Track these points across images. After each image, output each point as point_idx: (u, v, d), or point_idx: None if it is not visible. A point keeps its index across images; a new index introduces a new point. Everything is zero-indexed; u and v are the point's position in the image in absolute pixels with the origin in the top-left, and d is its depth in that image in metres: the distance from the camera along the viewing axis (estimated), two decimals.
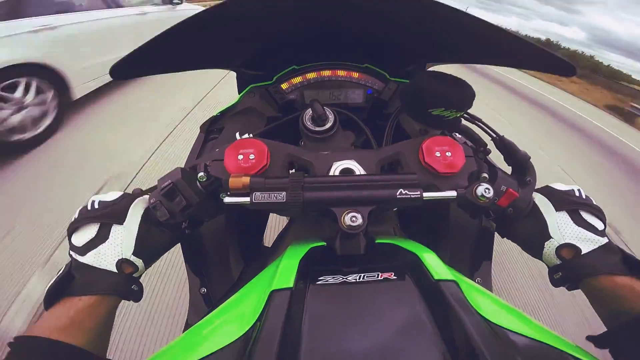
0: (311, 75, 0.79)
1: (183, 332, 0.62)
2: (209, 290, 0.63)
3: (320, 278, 0.37)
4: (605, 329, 0.45)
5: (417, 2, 0.52)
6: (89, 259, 0.44)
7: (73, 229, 0.47)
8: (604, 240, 0.47)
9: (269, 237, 0.92)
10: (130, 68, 0.56)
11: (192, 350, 0.33)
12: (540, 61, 0.54)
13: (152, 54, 0.56)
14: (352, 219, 0.40)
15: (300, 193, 0.41)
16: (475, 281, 0.64)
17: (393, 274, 0.38)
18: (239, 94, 0.83)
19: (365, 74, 0.80)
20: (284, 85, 0.78)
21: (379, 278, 0.37)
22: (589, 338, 0.45)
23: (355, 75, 0.79)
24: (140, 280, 0.50)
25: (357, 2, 0.60)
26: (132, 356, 1.50)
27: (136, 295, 0.48)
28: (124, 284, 0.46)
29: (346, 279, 0.37)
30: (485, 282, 0.65)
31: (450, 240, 0.66)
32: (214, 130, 0.77)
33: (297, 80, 0.79)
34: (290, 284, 0.36)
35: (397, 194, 0.41)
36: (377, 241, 0.47)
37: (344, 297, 0.35)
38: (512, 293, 2.03)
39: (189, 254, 0.65)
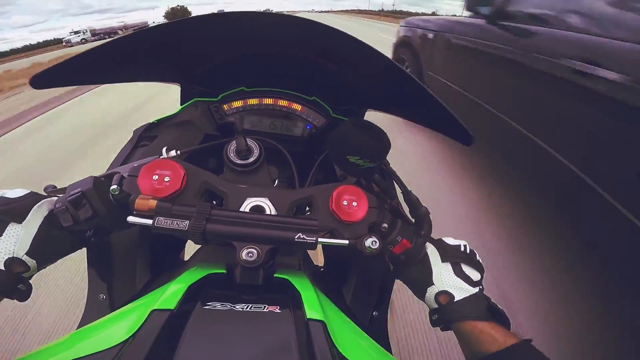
0: (254, 101, 0.81)
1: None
2: (109, 297, 0.62)
3: (209, 303, 0.39)
4: None
5: (360, 48, 0.55)
6: None
7: None
8: (475, 290, 0.55)
9: (191, 251, 0.91)
10: (57, 78, 0.54)
11: (63, 352, 0.34)
12: (448, 127, 0.60)
13: (89, 63, 0.55)
14: (249, 254, 0.43)
15: (202, 224, 0.43)
16: (372, 314, 0.70)
17: (278, 307, 0.40)
18: (180, 105, 0.82)
19: (309, 108, 0.83)
20: (227, 106, 0.80)
21: (264, 310, 0.40)
22: None
23: (299, 108, 0.83)
24: (31, 281, 0.48)
25: (308, 39, 0.64)
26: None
27: (22, 294, 0.46)
28: (10, 282, 0.44)
29: (234, 307, 0.39)
30: (381, 316, 0.71)
31: (356, 275, 0.72)
32: (148, 137, 0.76)
33: (240, 103, 0.80)
34: (172, 306, 0.37)
35: (295, 237, 0.45)
36: (275, 275, 0.50)
37: (226, 324, 0.37)
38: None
39: (94, 258, 0.63)
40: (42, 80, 0.52)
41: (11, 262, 0.44)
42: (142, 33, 0.52)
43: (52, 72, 0.51)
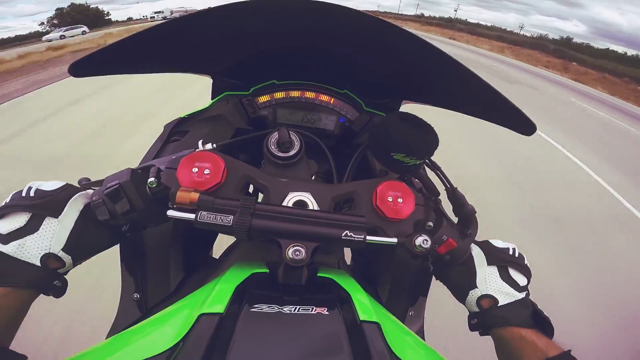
0: (285, 94, 0.79)
1: (107, 335, 0.59)
2: (143, 296, 0.61)
3: (256, 305, 0.37)
4: None
5: (403, 38, 0.53)
6: (10, 248, 0.42)
7: (1, 214, 0.43)
8: (521, 295, 0.52)
9: (220, 247, 0.89)
10: (96, 66, 0.53)
11: (108, 357, 0.33)
12: (507, 117, 0.56)
13: (122, 53, 0.54)
14: (296, 253, 0.41)
15: (248, 219, 0.41)
16: (408, 314, 0.68)
17: (326, 309, 0.39)
18: (212, 99, 0.81)
19: (342, 101, 0.81)
20: (259, 100, 0.78)
21: (313, 312, 0.38)
22: None
23: (331, 101, 0.80)
24: (66, 277, 0.47)
25: (344, 30, 0.61)
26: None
27: (58, 291, 0.46)
28: (45, 278, 0.43)
29: (282, 309, 0.38)
30: (417, 316, 0.68)
31: (392, 274, 0.69)
32: (179, 132, 0.75)
33: (273, 96, 0.79)
34: (221, 310, 0.35)
35: (342, 235, 0.42)
36: (318, 274, 0.48)
37: (276, 328, 0.36)
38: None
39: (127, 255, 0.62)
40: (81, 68, 0.51)
41: (47, 258, 0.43)
42: (175, 21, 0.50)
43: (90, 60, 0.50)
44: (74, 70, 0.50)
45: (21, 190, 0.46)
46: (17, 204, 0.44)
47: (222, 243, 0.91)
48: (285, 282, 0.44)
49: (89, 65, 0.51)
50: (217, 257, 0.81)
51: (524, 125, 0.54)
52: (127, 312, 0.60)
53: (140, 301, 0.60)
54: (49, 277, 0.44)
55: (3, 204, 0.45)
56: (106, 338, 0.59)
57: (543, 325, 0.50)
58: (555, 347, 0.46)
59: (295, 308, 0.38)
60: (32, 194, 0.45)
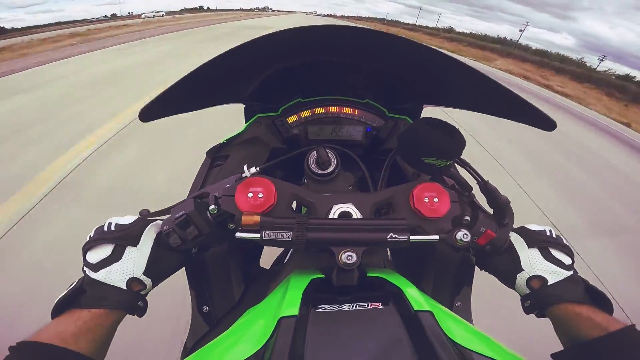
0: (315, 111, 0.84)
1: (184, 347, 0.66)
2: (212, 309, 0.67)
3: (320, 307, 0.43)
4: None
5: (417, 48, 0.57)
6: (100, 275, 0.48)
7: (88, 247, 0.51)
8: (569, 273, 0.53)
9: (264, 258, 0.96)
10: (157, 110, 0.62)
11: None
12: (524, 114, 0.59)
13: (173, 97, 0.61)
14: (348, 257, 0.46)
15: (304, 233, 0.46)
16: (455, 305, 0.70)
17: (380, 304, 0.43)
18: (245, 122, 0.88)
19: (365, 111, 0.86)
20: (290, 119, 0.84)
21: (369, 307, 0.42)
22: (553, 355, 0.51)
23: (356, 112, 0.85)
24: (147, 297, 0.54)
25: (361, 43, 0.65)
26: None
27: (141, 310, 0.52)
28: (131, 300, 0.50)
29: (341, 307, 0.42)
30: (464, 306, 0.70)
31: (434, 268, 0.72)
32: (220, 156, 0.82)
33: (302, 115, 0.84)
34: (296, 312, 0.40)
35: (388, 237, 0.47)
36: (368, 274, 0.53)
37: (339, 324, 0.40)
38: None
39: (193, 275, 0.69)
40: (148, 113, 0.60)
41: (131, 281, 0.50)
42: (214, 60, 0.57)
43: (153, 105, 0.58)
44: (143, 116, 0.60)
45: (102, 226, 0.54)
46: (101, 237, 0.51)
47: (265, 255, 0.99)
48: (339, 284, 0.50)
49: (153, 111, 0.60)
50: (267, 268, 0.88)
51: (543, 122, 0.56)
52: (200, 323, 0.67)
53: (209, 313, 0.67)
54: (134, 299, 0.50)
55: (88, 238, 0.52)
56: (183, 348, 0.66)
57: (600, 301, 0.50)
58: (616, 322, 0.46)
59: (353, 305, 0.42)
60: (112, 228, 0.53)
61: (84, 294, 0.47)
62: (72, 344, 0.42)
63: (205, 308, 0.67)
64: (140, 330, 1.70)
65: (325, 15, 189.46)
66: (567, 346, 0.51)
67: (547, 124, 0.57)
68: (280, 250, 1.13)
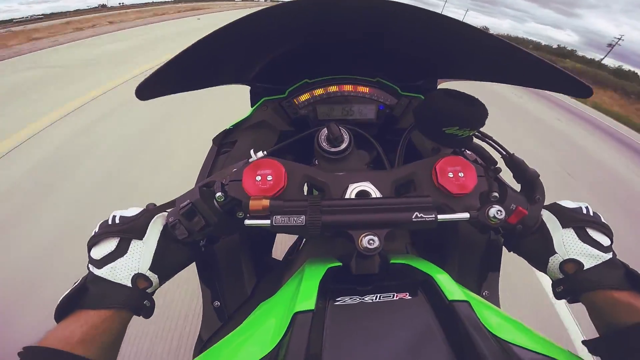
0: (321, 91, 0.80)
1: (196, 344, 0.63)
2: (223, 304, 0.64)
3: (339, 299, 0.39)
4: None
5: (431, 17, 0.52)
6: (104, 272, 0.45)
7: (93, 242, 0.48)
8: (608, 256, 0.48)
9: (277, 248, 0.93)
10: (154, 88, 0.57)
11: None
12: (556, 81, 0.54)
13: (172, 73, 0.57)
14: (370, 241, 0.41)
15: (319, 216, 0.42)
16: (482, 294, 0.65)
17: (408, 294, 0.39)
18: (251, 106, 0.84)
19: (377, 89, 0.81)
20: (297, 100, 0.80)
21: (395, 298, 0.38)
22: (584, 342, 0.46)
23: (367, 90, 0.80)
24: (153, 297, 0.51)
25: (370, 16, 0.60)
26: None
27: (147, 311, 0.49)
28: (137, 298, 0.46)
29: (363, 299, 0.38)
30: (492, 294, 0.66)
31: (458, 253, 0.67)
32: (227, 143, 0.78)
33: (309, 96, 0.80)
34: (312, 306, 0.37)
35: (413, 217, 0.42)
36: (391, 261, 0.48)
37: (361, 318, 0.37)
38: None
39: (203, 268, 0.66)
40: (145, 90, 0.55)
41: (137, 278, 0.47)
42: (215, 33, 0.53)
43: (150, 82, 0.54)
44: (139, 94, 0.55)
45: (107, 220, 0.51)
46: (106, 231, 0.48)
47: (280, 245, 0.95)
48: (359, 272, 0.45)
49: (151, 87, 0.55)
50: (280, 259, 0.85)
51: (578, 89, 0.51)
52: (211, 318, 0.64)
53: (221, 308, 0.64)
54: (139, 297, 0.47)
55: (93, 234, 0.49)
56: (196, 344, 0.63)
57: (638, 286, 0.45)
58: None
59: (376, 297, 0.38)
60: (117, 220, 0.50)
61: (87, 293, 0.44)
62: (79, 349, 0.39)
63: (217, 303, 0.64)
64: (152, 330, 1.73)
65: None
66: (603, 333, 0.47)
67: (583, 91, 0.51)
68: (293, 238, 1.09)
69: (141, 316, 0.49)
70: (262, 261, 0.75)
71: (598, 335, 0.47)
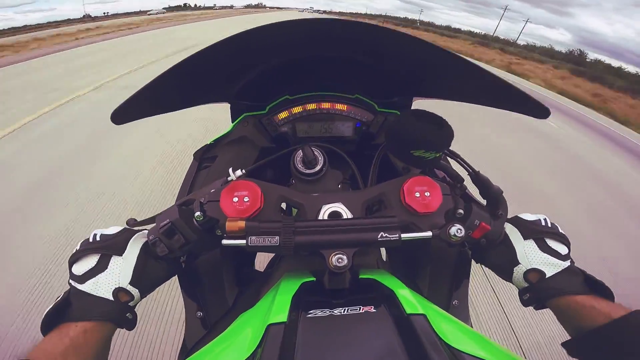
0: (303, 108, 0.82)
1: (179, 352, 0.65)
2: (205, 314, 0.66)
3: (311, 312, 0.41)
4: None
5: (403, 39, 0.55)
6: (87, 286, 0.47)
7: (74, 259, 0.50)
8: (567, 264, 0.53)
9: (261, 259, 0.95)
10: (130, 112, 0.59)
11: None
12: (517, 103, 0.58)
13: (150, 96, 0.59)
14: (339, 260, 0.44)
15: (292, 237, 0.45)
16: (452, 303, 0.69)
17: (373, 307, 0.42)
18: (232, 122, 0.86)
19: (355, 106, 0.84)
20: (277, 117, 0.82)
21: (361, 311, 0.41)
22: (564, 344, 0.50)
23: (345, 107, 0.83)
24: (136, 310, 0.52)
25: (349, 37, 0.63)
26: None
27: (130, 323, 0.50)
28: (119, 311, 0.48)
29: (332, 312, 0.41)
30: (462, 303, 0.69)
31: (431, 264, 0.71)
32: (207, 158, 0.80)
33: (289, 112, 0.82)
34: (284, 319, 0.39)
35: (379, 237, 0.45)
36: (360, 276, 0.52)
37: (331, 330, 0.39)
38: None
39: (185, 281, 0.68)
40: (120, 115, 0.57)
41: (118, 291, 0.48)
42: (193, 57, 0.55)
43: (126, 107, 0.55)
44: (115, 119, 0.56)
45: (88, 238, 0.53)
46: (87, 248, 0.50)
47: (263, 256, 0.97)
48: (331, 287, 0.48)
49: (126, 112, 0.57)
50: (262, 270, 0.87)
51: (536, 110, 0.54)
52: (194, 329, 0.65)
53: (204, 319, 0.66)
54: (121, 310, 0.49)
55: (74, 251, 0.51)
56: (179, 355, 0.65)
57: (599, 290, 0.50)
58: (620, 308, 0.46)
59: (344, 309, 0.41)
60: (97, 238, 0.52)
61: (70, 307, 0.46)
62: None
63: (199, 314, 0.66)
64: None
65: (322, 12, 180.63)
66: (573, 335, 0.51)
67: (541, 112, 0.55)
68: None
69: (124, 328, 0.50)
70: (244, 272, 0.77)
71: (571, 338, 0.51)
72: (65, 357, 0.41)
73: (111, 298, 0.48)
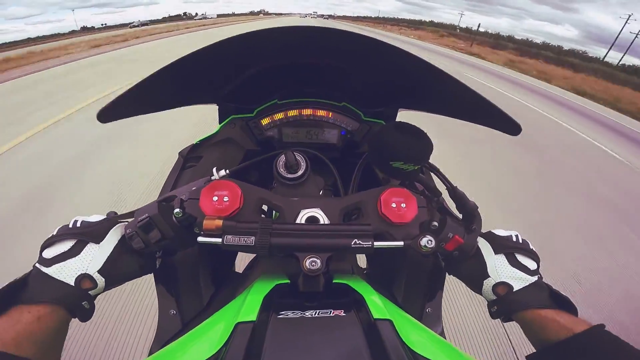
0: (290, 114, 0.84)
1: (150, 350, 0.64)
2: (179, 312, 0.66)
3: (282, 312, 0.42)
4: None
5: (390, 50, 0.57)
6: (51, 270, 0.45)
7: (48, 243, 0.48)
8: (534, 278, 0.55)
9: (241, 261, 0.95)
10: (117, 111, 0.59)
11: None
12: (493, 119, 0.60)
13: (138, 96, 0.59)
14: (312, 263, 0.45)
15: (267, 238, 0.46)
16: (426, 311, 0.71)
17: (343, 311, 0.43)
18: (219, 123, 0.86)
19: (341, 114, 0.86)
20: (264, 121, 0.83)
21: (331, 315, 0.42)
22: (528, 357, 0.52)
23: (330, 115, 0.85)
24: (95, 302, 0.50)
25: (338, 47, 0.65)
26: None
27: (84, 313, 0.48)
28: (75, 297, 0.46)
29: (304, 314, 0.42)
30: (435, 311, 0.71)
31: (406, 274, 0.72)
32: (193, 157, 0.80)
33: (276, 117, 0.84)
34: (254, 318, 0.40)
35: (352, 243, 0.47)
36: (334, 281, 0.53)
37: (301, 331, 0.40)
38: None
39: (161, 277, 0.68)
40: (107, 114, 0.56)
41: (82, 278, 0.47)
42: (183, 59, 0.56)
43: (114, 106, 0.55)
44: (101, 117, 0.56)
45: (68, 224, 0.52)
46: (64, 233, 0.49)
47: (244, 257, 0.97)
48: (305, 290, 0.49)
49: (113, 111, 0.57)
50: (240, 271, 0.87)
51: (510, 126, 0.57)
52: (166, 327, 0.65)
53: (177, 316, 0.66)
54: (78, 296, 0.46)
55: (49, 235, 0.50)
56: (150, 352, 0.65)
57: (564, 305, 0.52)
58: (583, 322, 0.48)
59: (316, 312, 0.42)
60: (78, 224, 0.51)
61: (25, 289, 0.44)
62: (12, 348, 0.38)
63: (172, 312, 0.65)
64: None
65: (326, 17, 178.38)
66: (538, 348, 0.53)
67: (513, 128, 0.58)
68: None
69: (77, 318, 0.48)
70: (222, 273, 0.77)
71: (536, 351, 0.53)
72: (18, 343, 0.39)
73: (71, 283, 0.46)
